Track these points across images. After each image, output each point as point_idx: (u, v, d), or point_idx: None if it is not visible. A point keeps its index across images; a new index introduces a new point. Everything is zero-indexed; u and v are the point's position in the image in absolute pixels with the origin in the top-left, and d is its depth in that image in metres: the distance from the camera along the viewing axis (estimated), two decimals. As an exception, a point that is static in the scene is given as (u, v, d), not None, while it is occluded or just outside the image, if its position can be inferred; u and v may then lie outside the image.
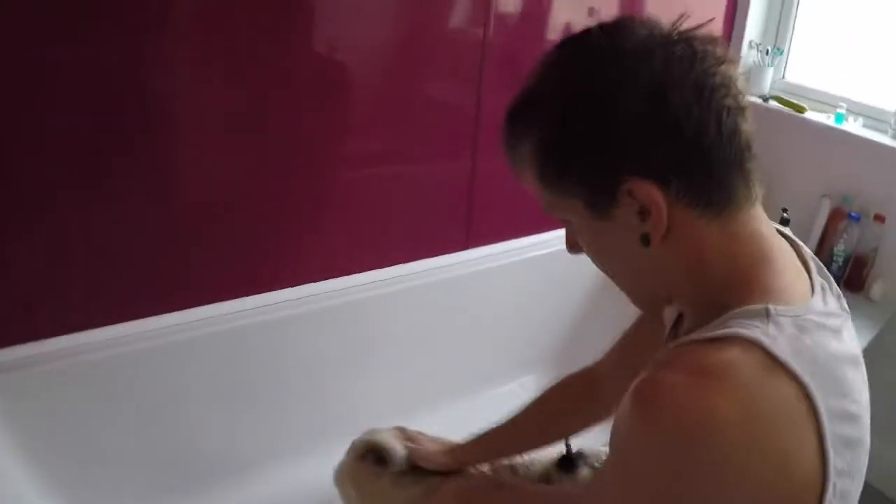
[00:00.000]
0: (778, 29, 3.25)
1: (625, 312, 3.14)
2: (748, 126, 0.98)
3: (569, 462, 1.78)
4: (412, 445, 1.84)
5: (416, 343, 2.79)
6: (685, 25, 0.99)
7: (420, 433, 1.91)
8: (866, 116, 2.95)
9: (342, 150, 2.42)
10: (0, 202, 1.93)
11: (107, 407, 2.23)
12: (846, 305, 1.07)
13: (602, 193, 0.99)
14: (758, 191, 1.02)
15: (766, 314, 0.93)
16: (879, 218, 2.76)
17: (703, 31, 1.00)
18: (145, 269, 2.21)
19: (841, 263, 2.79)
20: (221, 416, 2.46)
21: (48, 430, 2.15)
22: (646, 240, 0.99)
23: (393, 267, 2.66)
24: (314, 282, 2.52)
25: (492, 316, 2.93)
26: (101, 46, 1.90)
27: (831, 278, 1.09)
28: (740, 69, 1.03)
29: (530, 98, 1.05)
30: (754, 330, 0.91)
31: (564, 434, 1.78)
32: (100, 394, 2.21)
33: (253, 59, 2.12)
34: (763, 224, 1.03)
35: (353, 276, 2.59)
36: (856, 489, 0.96)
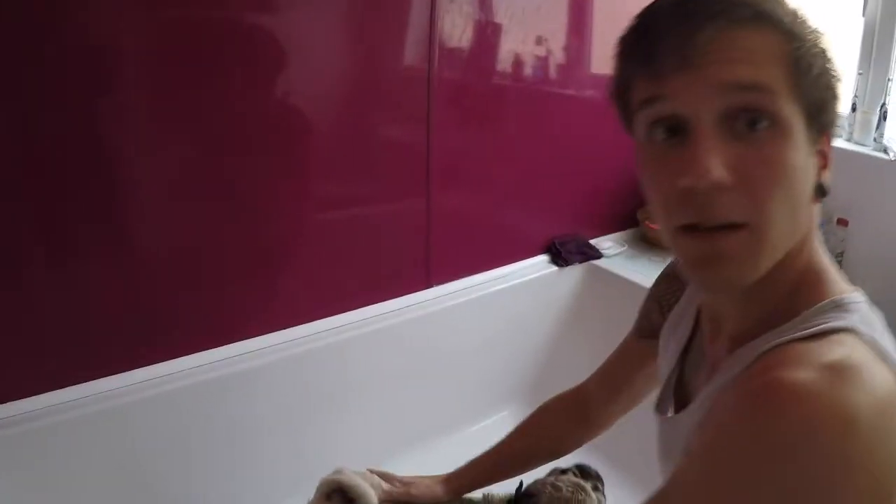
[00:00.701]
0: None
1: (593, 339, 3.15)
2: None
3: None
4: (399, 486, 1.81)
5: (388, 385, 2.76)
6: None
7: (391, 474, 1.88)
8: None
9: (297, 197, 2.40)
10: None
11: (79, 467, 2.19)
12: None
13: (824, 122, 0.96)
14: None
15: (843, 306, 0.93)
16: (843, 222, 2.77)
17: None
18: (112, 327, 2.18)
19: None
20: (196, 468, 2.42)
21: (23, 493, 2.10)
22: (821, 191, 0.98)
23: (356, 311, 2.63)
24: (279, 330, 2.49)
25: (461, 353, 2.91)
26: (52, 111, 1.88)
27: None
28: None
29: (790, 13, 0.94)
30: (849, 321, 0.90)
31: (555, 454, 1.78)
32: (72, 454, 2.16)
33: (204, 111, 2.11)
34: None
35: (317, 321, 2.56)
36: None
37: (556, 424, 1.77)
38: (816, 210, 1.00)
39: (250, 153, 2.23)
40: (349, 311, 2.62)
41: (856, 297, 0.96)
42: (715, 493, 0.87)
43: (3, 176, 1.89)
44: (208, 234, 2.24)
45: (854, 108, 2.84)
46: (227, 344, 2.39)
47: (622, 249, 3.23)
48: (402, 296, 2.73)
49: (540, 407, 1.81)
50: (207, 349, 2.36)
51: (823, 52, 0.94)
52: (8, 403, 2.07)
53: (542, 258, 3.09)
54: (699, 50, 0.88)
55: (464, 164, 2.72)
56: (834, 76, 0.95)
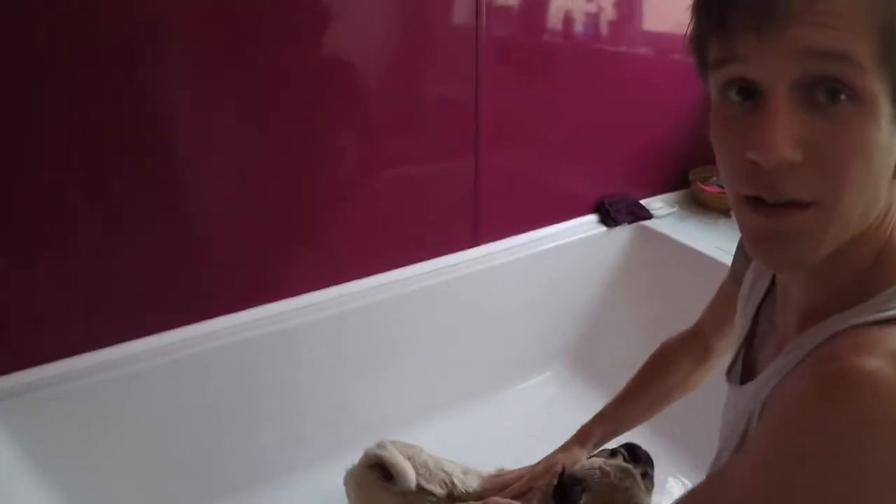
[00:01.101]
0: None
1: (640, 302, 3.13)
2: None
3: (564, 492, 1.71)
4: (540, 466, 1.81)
5: (432, 344, 2.77)
6: None
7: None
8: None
9: (344, 156, 2.39)
10: (6, 231, 1.93)
11: (120, 425, 2.23)
12: None
13: None
14: None
15: None
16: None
17: None
18: (152, 286, 2.20)
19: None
20: (235, 429, 2.45)
21: (61, 454, 2.14)
22: None
23: (403, 268, 2.64)
24: (324, 288, 2.50)
25: (506, 313, 2.91)
26: (96, 68, 1.88)
27: None
28: None
29: None
30: None
31: (682, 393, 1.79)
32: (113, 413, 2.20)
33: (251, 69, 2.10)
34: None
35: (363, 279, 2.57)
36: None
37: (681, 368, 1.78)
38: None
39: (297, 112, 2.22)
40: (395, 269, 2.63)
41: None
42: (778, 475, 0.85)
43: (56, 144, 1.91)
44: (254, 192, 2.25)
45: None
46: (274, 301, 2.41)
47: (672, 210, 3.20)
48: (449, 254, 2.73)
49: (661, 347, 1.83)
50: (256, 306, 2.38)
51: None
52: (57, 362, 2.11)
53: (591, 218, 3.06)
54: (778, 9, 0.81)
55: (513, 123, 2.69)
56: None
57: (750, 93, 0.87)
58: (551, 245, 2.91)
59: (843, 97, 0.81)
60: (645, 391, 1.80)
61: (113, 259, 2.10)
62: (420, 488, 1.84)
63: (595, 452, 1.82)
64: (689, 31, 0.95)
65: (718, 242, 2.81)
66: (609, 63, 2.83)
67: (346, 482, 1.99)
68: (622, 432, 1.83)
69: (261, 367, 2.41)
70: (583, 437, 1.81)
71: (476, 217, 2.73)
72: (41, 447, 2.08)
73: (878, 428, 0.76)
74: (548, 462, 1.80)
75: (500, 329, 2.92)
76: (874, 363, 0.79)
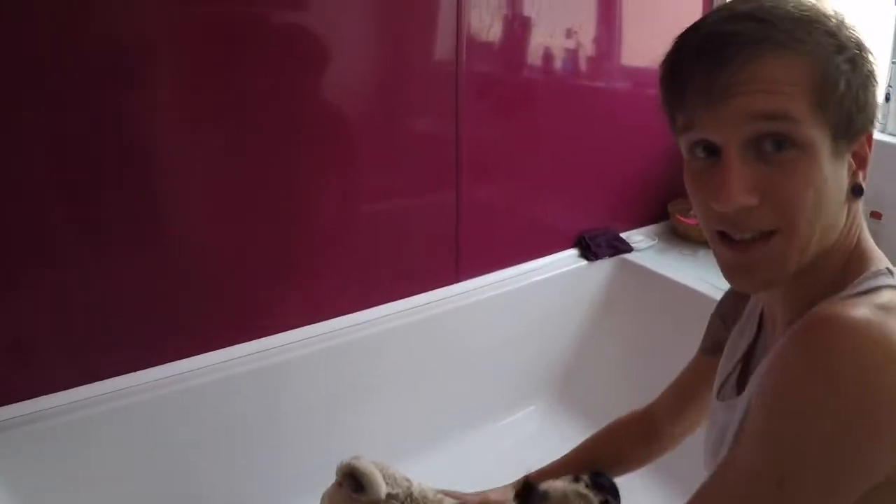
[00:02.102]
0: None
1: (622, 334, 3.14)
2: None
3: (527, 493, 1.72)
4: (475, 497, 1.84)
5: (415, 379, 2.76)
6: None
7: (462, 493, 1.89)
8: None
9: (327, 191, 2.40)
10: None
11: (106, 462, 2.21)
12: None
13: (850, 135, 1.00)
14: None
15: (891, 272, 1.02)
16: (876, 215, 2.73)
17: None
18: (136, 323, 2.19)
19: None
20: (221, 464, 2.44)
21: (43, 491, 2.12)
22: (857, 191, 1.03)
23: (385, 305, 2.64)
24: (306, 325, 2.50)
25: (489, 347, 2.91)
26: (84, 104, 1.90)
27: None
28: None
29: (813, 24, 0.98)
30: (893, 280, 1.00)
31: (621, 470, 1.78)
32: (98, 448, 2.19)
33: (234, 107, 2.12)
34: None
35: (346, 316, 2.56)
36: None
37: (623, 441, 1.79)
38: (859, 204, 1.06)
39: (281, 148, 2.24)
40: (377, 305, 2.62)
41: None
42: (777, 421, 0.94)
43: (38, 170, 1.92)
44: (238, 228, 2.26)
45: (888, 99, 2.80)
46: (256, 338, 2.40)
47: (653, 243, 3.22)
48: (431, 290, 2.73)
49: (611, 423, 1.83)
50: (237, 343, 2.37)
51: (854, 60, 0.98)
52: (42, 397, 2.10)
53: (572, 252, 3.07)
54: (723, 85, 0.95)
55: (493, 158, 2.72)
56: (867, 80, 1.00)
57: (711, 150, 1.01)
58: (533, 280, 2.92)
59: (787, 147, 0.96)
60: (585, 462, 1.79)
61: (96, 293, 2.09)
62: (388, 496, 1.85)
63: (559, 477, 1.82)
64: (659, 101, 1.09)
65: (699, 273, 2.83)
66: (588, 98, 2.86)
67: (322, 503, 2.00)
68: None
69: (242, 404, 2.40)
70: (516, 484, 1.80)
71: (457, 252, 2.74)
72: (22, 484, 2.06)
73: (862, 368, 0.87)
74: (482, 496, 1.83)
75: (483, 364, 2.92)
76: (855, 311, 0.91)
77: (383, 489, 1.83)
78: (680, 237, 3.26)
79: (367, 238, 2.53)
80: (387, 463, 1.93)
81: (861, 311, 0.91)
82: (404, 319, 2.64)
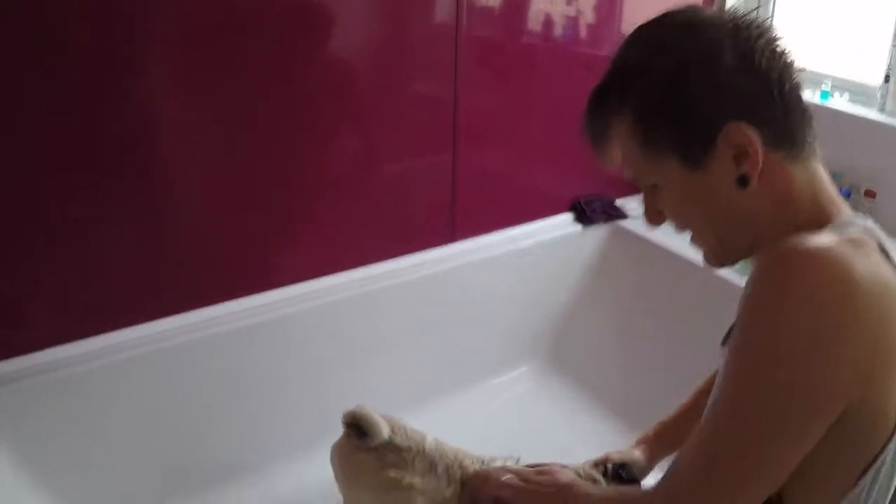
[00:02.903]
0: (759, 4, 3.22)
1: (614, 300, 3.15)
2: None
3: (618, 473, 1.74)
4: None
5: (407, 339, 2.79)
6: None
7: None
8: (852, 92, 2.93)
9: (325, 151, 2.41)
10: None
11: (107, 416, 2.24)
12: None
13: (699, 144, 1.12)
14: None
15: (841, 223, 1.10)
16: (870, 194, 2.74)
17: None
18: (137, 276, 2.22)
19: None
20: (218, 420, 2.47)
21: (42, 445, 2.14)
22: (743, 181, 1.12)
23: (379, 263, 2.65)
24: (304, 281, 2.52)
25: (482, 308, 2.93)
26: (79, 67, 1.91)
27: None
28: None
29: (626, 72, 1.18)
30: (861, 224, 1.10)
31: None
32: (99, 403, 2.21)
33: (234, 64, 2.13)
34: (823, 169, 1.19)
35: (342, 273, 2.58)
36: None
37: None
38: (786, 176, 1.14)
39: (279, 108, 2.25)
40: (373, 263, 2.64)
41: (859, 218, 1.12)
42: (740, 353, 1.06)
43: (33, 128, 1.93)
44: (234, 186, 2.27)
45: (887, 79, 2.81)
46: (252, 294, 2.42)
47: (647, 211, 3.20)
48: (425, 250, 2.75)
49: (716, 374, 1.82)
50: (234, 299, 2.39)
51: (677, 74, 1.11)
52: (38, 352, 2.12)
53: (567, 217, 3.08)
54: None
55: (491, 122, 2.72)
56: (703, 83, 1.11)
57: None
58: (527, 242, 2.94)
59: (652, 187, 1.23)
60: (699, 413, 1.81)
61: (91, 249, 2.11)
62: (397, 446, 1.87)
63: (586, 461, 1.83)
64: None
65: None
66: (587, 64, 2.85)
67: (331, 457, 2.02)
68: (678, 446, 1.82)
69: (241, 358, 2.43)
70: (639, 441, 1.82)
71: (453, 214, 2.75)
72: (21, 439, 2.08)
73: (820, 291, 0.97)
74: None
75: (475, 325, 2.94)
76: (818, 242, 1.01)
77: (385, 431, 1.85)
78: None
79: (364, 197, 2.53)
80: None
81: (825, 240, 1.01)
82: (399, 278, 2.66)
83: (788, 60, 1.11)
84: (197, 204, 2.25)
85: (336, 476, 2.02)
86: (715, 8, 1.15)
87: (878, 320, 0.98)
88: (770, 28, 1.12)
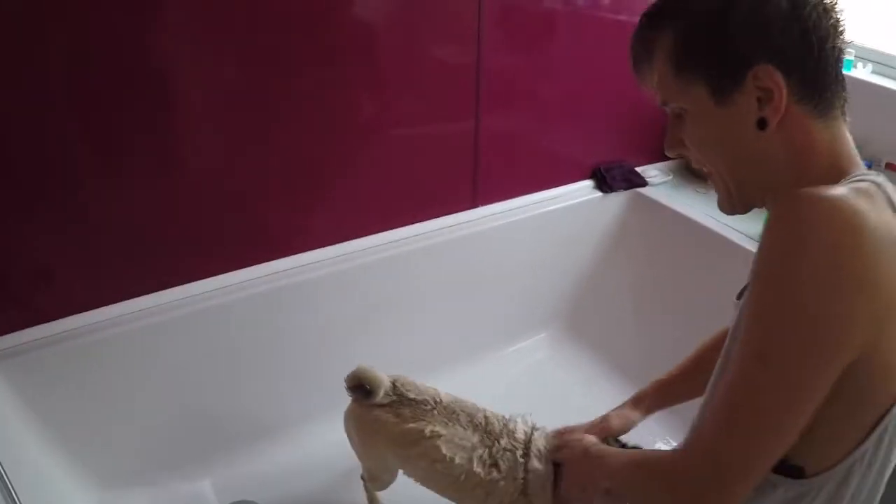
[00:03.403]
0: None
1: (633, 267, 3.16)
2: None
3: None
4: (595, 424, 1.86)
5: (428, 303, 2.82)
6: None
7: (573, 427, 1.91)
8: (875, 62, 2.91)
9: (347, 115, 2.42)
10: (13, 187, 1.96)
11: (130, 380, 2.29)
12: None
13: (729, 77, 1.13)
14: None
15: (866, 176, 1.11)
16: (892, 167, 2.74)
17: None
18: (156, 245, 2.24)
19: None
20: (246, 379, 2.52)
21: (67, 410, 2.19)
22: (762, 124, 1.14)
23: (401, 228, 2.68)
24: (324, 246, 2.54)
25: (502, 274, 2.96)
26: (106, 26, 1.91)
27: None
28: None
29: None
30: (871, 178, 1.10)
31: None
32: (123, 367, 2.26)
33: (252, 29, 2.13)
34: (848, 130, 1.20)
35: (365, 238, 2.61)
36: None
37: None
38: (808, 131, 1.15)
39: (302, 73, 2.26)
40: (394, 228, 2.67)
41: (875, 175, 1.13)
42: (756, 300, 1.08)
43: (58, 98, 1.94)
44: (258, 151, 2.28)
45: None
46: (276, 258, 2.46)
47: (668, 179, 3.24)
48: (447, 215, 2.77)
49: (717, 335, 1.83)
50: (259, 263, 2.43)
51: (723, 3, 1.12)
52: (64, 319, 2.17)
53: (587, 183, 3.09)
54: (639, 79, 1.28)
55: (513, 87, 2.72)
56: (746, 16, 1.11)
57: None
58: (547, 209, 2.95)
59: (678, 112, 1.24)
60: (704, 371, 1.83)
61: (117, 216, 2.14)
62: (412, 400, 1.90)
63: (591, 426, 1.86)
64: None
65: (711, 211, 2.85)
66: (609, 30, 2.84)
67: (346, 423, 2.05)
68: (673, 404, 1.87)
69: (267, 321, 2.47)
70: (637, 401, 1.88)
71: (475, 179, 2.77)
72: (43, 402, 2.13)
73: (825, 233, 0.99)
74: (602, 420, 1.86)
75: (495, 290, 2.96)
76: (833, 190, 1.02)
77: (387, 381, 1.89)
78: (695, 174, 3.27)
79: (387, 162, 2.56)
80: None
81: (837, 190, 1.02)
82: (420, 243, 2.68)
83: (837, 23, 1.12)
84: (226, 169, 2.27)
85: (353, 441, 2.05)
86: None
87: (888, 271, 0.99)
88: None
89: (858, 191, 1.04)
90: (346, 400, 2.01)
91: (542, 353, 3.10)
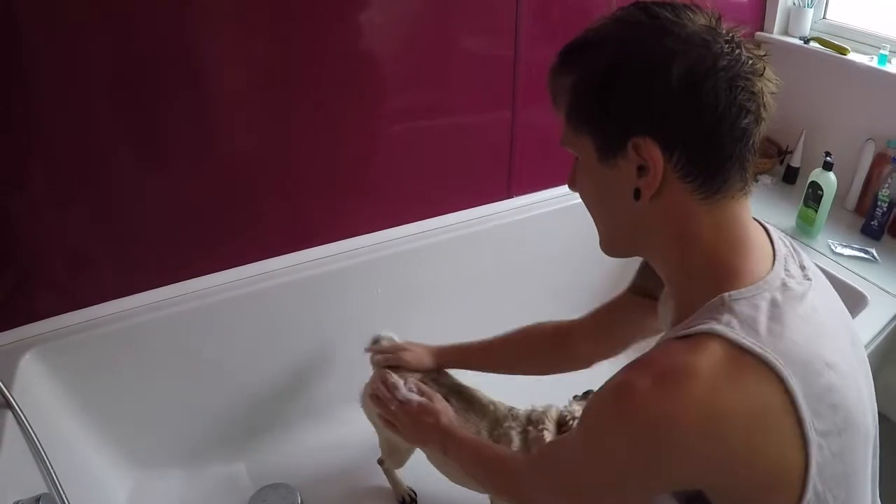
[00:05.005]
0: (819, -30, 3.18)
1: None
2: (759, 132, 1.09)
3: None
4: (392, 349, 2.10)
5: (462, 291, 2.83)
6: (741, 34, 1.09)
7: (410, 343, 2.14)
8: (910, 57, 2.88)
9: (384, 105, 2.44)
10: (43, 179, 2.02)
11: (166, 365, 2.33)
12: (810, 274, 1.17)
13: (613, 141, 1.10)
14: (751, 186, 1.13)
15: (723, 303, 1.06)
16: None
17: (752, 42, 1.11)
18: (196, 232, 2.29)
19: (885, 209, 2.71)
20: (279, 368, 2.56)
21: (105, 393, 2.24)
22: (637, 194, 1.11)
23: (437, 217, 2.71)
24: (362, 234, 2.58)
25: (536, 264, 2.97)
26: (137, 15, 1.93)
27: (801, 253, 1.23)
28: (773, 86, 1.09)
29: (587, 42, 1.14)
30: (714, 323, 1.03)
31: (533, 373, 2.01)
32: (159, 352, 2.30)
33: (292, 21, 2.15)
34: (748, 215, 1.15)
35: (400, 227, 2.64)
36: (853, 439, 1.07)
37: (537, 349, 1.98)
38: (688, 211, 1.11)
39: (341, 65, 2.28)
40: (431, 217, 2.70)
41: (745, 291, 1.07)
42: (578, 450, 1.20)
43: (95, 87, 1.97)
44: (297, 139, 2.32)
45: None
46: (313, 246, 2.50)
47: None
48: (483, 205, 2.80)
49: (531, 326, 2.02)
50: (295, 251, 2.47)
51: (610, 67, 1.08)
52: (100, 305, 2.22)
53: (623, 175, 3.06)
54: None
55: (550, 79, 2.71)
56: (631, 90, 1.07)
57: None
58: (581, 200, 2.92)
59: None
60: (502, 351, 2.03)
61: (151, 205, 2.18)
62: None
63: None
64: None
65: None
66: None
67: (362, 398, 2.14)
68: (472, 370, 2.09)
69: (300, 310, 2.50)
70: (440, 352, 2.13)
71: (510, 169, 2.78)
72: (85, 386, 2.17)
73: (637, 433, 1.01)
74: (397, 349, 2.12)
75: (529, 279, 2.98)
76: (641, 382, 1.01)
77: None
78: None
79: (423, 153, 2.58)
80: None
81: (646, 382, 1.01)
82: (456, 232, 2.71)
83: (748, 102, 1.05)
84: (265, 157, 2.30)
85: (370, 415, 2.09)
86: (711, 12, 1.09)
87: (737, 451, 0.98)
88: (747, 61, 1.05)
89: (728, 357, 0.99)
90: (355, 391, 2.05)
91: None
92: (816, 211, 2.66)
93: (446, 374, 2.10)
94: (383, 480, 2.39)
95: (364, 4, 2.26)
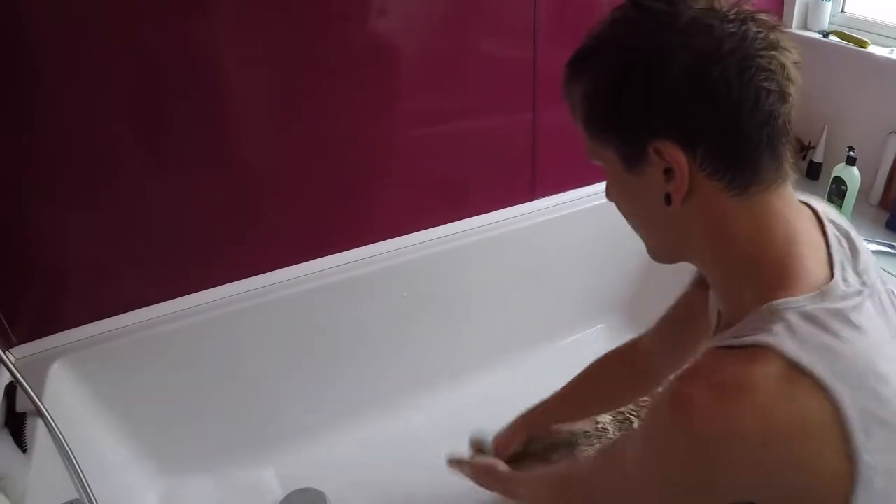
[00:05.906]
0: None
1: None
2: (787, 110, 1.04)
3: None
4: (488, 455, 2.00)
5: (486, 294, 2.83)
6: (748, 6, 1.04)
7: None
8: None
9: (405, 110, 2.45)
10: (68, 193, 2.03)
11: (196, 370, 2.35)
12: (867, 279, 1.10)
13: (634, 148, 1.08)
14: (788, 171, 1.08)
15: (774, 312, 1.01)
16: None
17: (764, 14, 1.04)
18: (219, 240, 2.31)
19: (909, 204, 2.68)
20: (307, 372, 2.56)
21: (141, 396, 2.26)
22: (668, 199, 1.09)
23: (460, 221, 2.71)
24: (384, 240, 2.58)
25: (560, 265, 2.96)
26: (153, 18, 1.94)
27: (859, 251, 1.16)
28: (794, 54, 1.05)
29: (590, 50, 1.12)
30: (766, 335, 0.98)
31: (611, 405, 2.03)
32: (188, 358, 2.32)
33: (305, 25, 2.15)
34: (789, 205, 1.10)
35: (423, 231, 2.64)
36: None
37: (610, 379, 1.95)
38: (722, 209, 1.08)
39: (362, 65, 2.28)
40: (454, 221, 2.70)
41: (797, 301, 1.02)
42: (625, 465, 1.21)
43: (110, 94, 1.98)
44: (317, 144, 2.32)
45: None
46: (335, 252, 2.50)
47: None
48: (506, 207, 2.79)
49: (595, 361, 1.97)
50: (318, 257, 2.48)
51: (632, 71, 1.05)
52: (128, 313, 2.24)
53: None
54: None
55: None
56: (638, 95, 1.05)
57: None
58: (604, 200, 2.91)
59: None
60: (579, 394, 1.98)
61: (172, 213, 2.19)
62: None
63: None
64: None
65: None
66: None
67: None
68: (562, 422, 2.06)
69: (322, 317, 2.50)
70: (522, 428, 2.03)
71: (533, 171, 2.78)
72: (114, 393, 2.20)
73: (693, 442, 0.99)
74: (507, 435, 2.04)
75: (553, 281, 2.97)
76: (697, 392, 0.99)
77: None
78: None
79: (445, 155, 2.58)
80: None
81: (702, 391, 0.98)
82: (479, 235, 2.70)
83: (766, 81, 1.00)
84: (284, 163, 2.30)
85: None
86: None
87: (782, 465, 0.96)
88: (757, 37, 1.01)
89: (728, 387, 0.98)
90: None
91: (599, 345, 3.05)
92: (840, 206, 2.64)
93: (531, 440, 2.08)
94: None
95: (384, 10, 2.26)
